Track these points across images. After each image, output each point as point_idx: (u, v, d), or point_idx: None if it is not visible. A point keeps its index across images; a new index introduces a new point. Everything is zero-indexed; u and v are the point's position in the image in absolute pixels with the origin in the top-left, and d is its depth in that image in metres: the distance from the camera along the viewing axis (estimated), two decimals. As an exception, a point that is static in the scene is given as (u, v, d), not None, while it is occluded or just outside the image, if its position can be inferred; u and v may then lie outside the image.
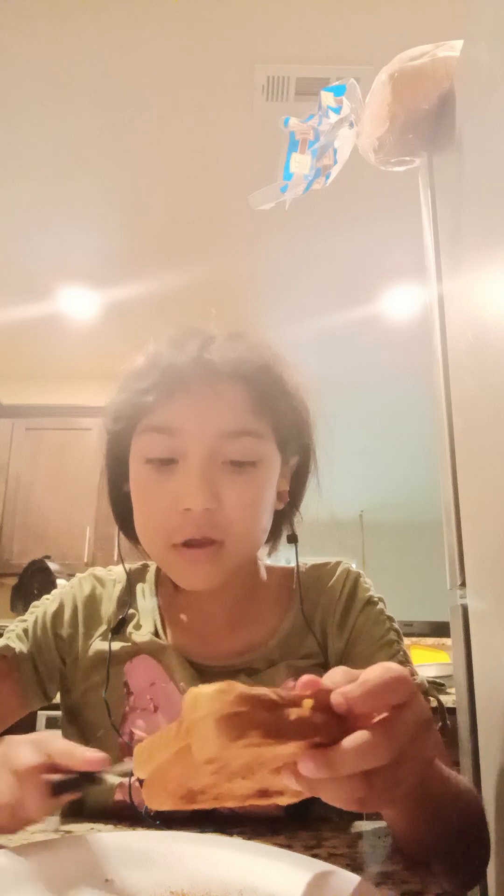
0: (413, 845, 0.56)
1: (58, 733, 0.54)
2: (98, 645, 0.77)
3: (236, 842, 0.54)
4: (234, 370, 0.68)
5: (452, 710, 0.95)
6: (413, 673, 0.72)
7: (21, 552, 3.65)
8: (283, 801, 0.44)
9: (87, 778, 0.51)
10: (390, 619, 0.77)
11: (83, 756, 0.51)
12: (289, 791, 0.43)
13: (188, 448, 0.66)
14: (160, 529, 0.67)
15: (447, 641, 2.35)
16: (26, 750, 0.51)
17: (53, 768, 0.51)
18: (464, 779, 0.63)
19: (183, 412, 0.67)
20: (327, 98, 1.14)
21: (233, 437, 0.67)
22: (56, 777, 0.50)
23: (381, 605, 0.78)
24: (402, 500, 6.45)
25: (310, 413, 0.76)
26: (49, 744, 0.52)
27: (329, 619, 0.76)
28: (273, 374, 0.71)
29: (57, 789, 0.50)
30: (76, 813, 0.73)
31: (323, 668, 0.73)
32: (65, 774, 0.51)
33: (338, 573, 0.79)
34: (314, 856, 0.55)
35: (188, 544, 0.66)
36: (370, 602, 0.77)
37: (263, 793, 0.44)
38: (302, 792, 0.41)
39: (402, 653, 0.74)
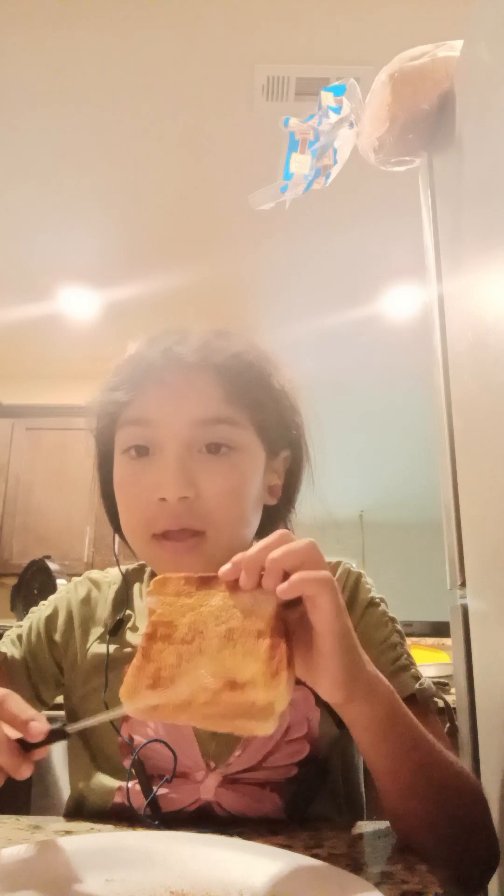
0: (408, 819, 0.57)
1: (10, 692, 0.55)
2: (95, 648, 0.77)
3: (236, 842, 0.54)
4: (204, 360, 0.69)
5: (452, 710, 0.95)
6: (418, 676, 0.72)
7: (21, 552, 3.65)
8: (258, 709, 0.45)
9: (56, 734, 0.52)
10: (392, 620, 0.76)
11: (29, 728, 0.51)
12: (258, 680, 0.46)
13: (163, 438, 0.67)
14: (139, 521, 0.68)
15: (447, 641, 2.35)
16: None
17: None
18: (464, 767, 0.63)
19: (156, 403, 0.68)
20: (327, 98, 1.14)
21: (206, 424, 0.67)
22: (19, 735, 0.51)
23: (383, 607, 0.77)
24: (402, 500, 6.45)
25: (295, 405, 0.75)
26: (4, 703, 0.53)
27: None
28: (245, 362, 0.71)
29: (25, 747, 0.51)
30: (76, 814, 0.73)
31: None
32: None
33: (338, 574, 0.78)
34: (314, 856, 0.55)
35: (168, 536, 0.66)
36: (372, 603, 0.76)
37: (232, 685, 0.46)
38: (272, 679, 0.46)
39: (405, 655, 0.73)
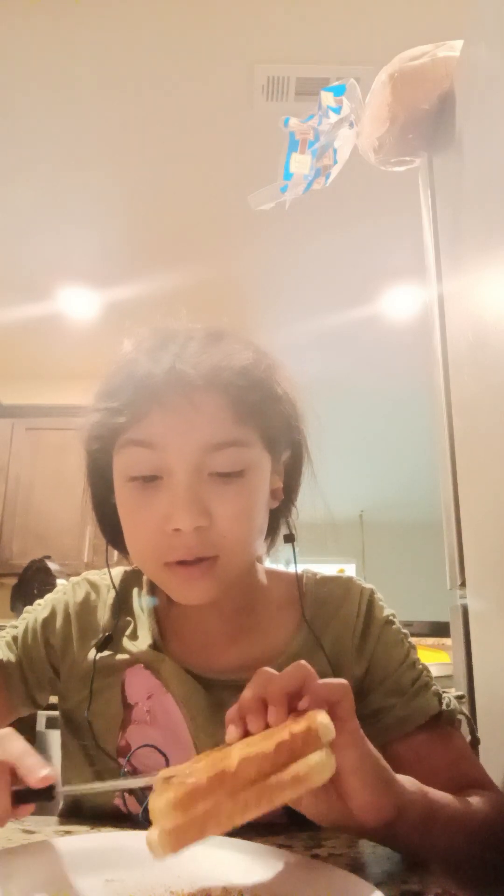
0: (441, 865, 0.56)
1: (13, 732, 0.53)
2: (94, 654, 0.75)
3: (236, 842, 0.54)
4: (211, 380, 0.64)
5: (474, 723, 0.95)
6: (440, 693, 0.72)
7: (21, 552, 3.65)
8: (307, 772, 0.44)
9: (44, 793, 0.49)
10: (406, 635, 0.76)
11: (35, 775, 0.48)
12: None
13: (171, 464, 0.63)
14: (151, 550, 0.65)
15: (447, 641, 2.35)
16: None
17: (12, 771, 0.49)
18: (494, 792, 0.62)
19: (162, 428, 0.64)
20: (327, 98, 1.14)
21: (216, 449, 0.64)
22: (17, 787, 0.48)
23: (397, 624, 0.76)
24: (402, 500, 6.45)
25: (297, 407, 0.73)
26: (6, 749, 0.50)
27: (346, 641, 0.73)
28: (253, 378, 0.68)
29: (17, 798, 0.48)
30: (75, 815, 0.73)
31: None
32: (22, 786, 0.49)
33: (352, 591, 0.77)
34: (314, 856, 0.55)
35: (181, 563, 0.64)
36: (388, 622, 0.75)
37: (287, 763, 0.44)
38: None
39: (425, 672, 0.73)
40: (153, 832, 0.43)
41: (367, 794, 0.48)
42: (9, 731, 0.52)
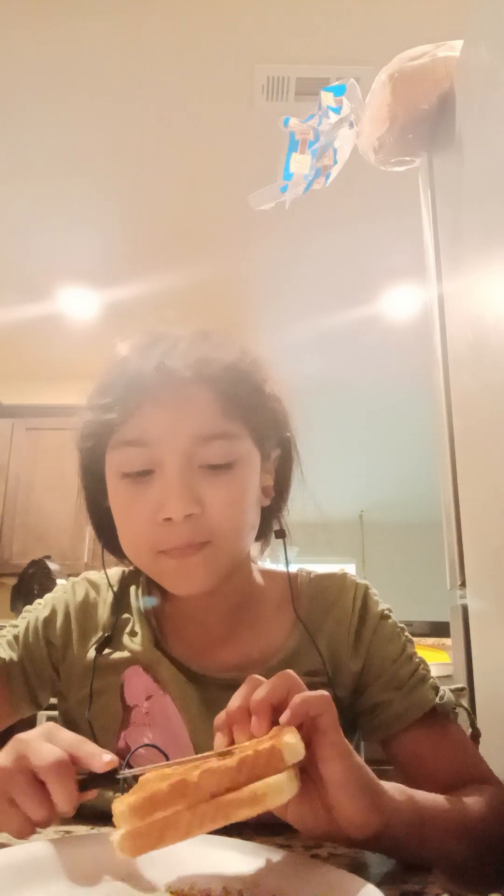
0: (441, 863, 0.56)
1: (57, 725, 0.54)
2: (94, 653, 0.75)
3: (236, 842, 0.54)
4: (199, 373, 0.66)
5: (473, 716, 0.95)
6: (437, 686, 0.72)
7: (21, 552, 3.64)
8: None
9: (108, 777, 0.51)
10: (402, 629, 0.76)
11: (100, 761, 0.50)
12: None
13: (163, 457, 0.65)
14: (144, 541, 0.66)
15: (447, 641, 2.35)
16: (47, 746, 0.50)
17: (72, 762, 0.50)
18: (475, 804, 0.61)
19: (152, 422, 0.65)
20: (327, 98, 1.14)
21: (205, 441, 0.65)
22: (81, 774, 0.50)
23: (393, 618, 0.76)
24: (402, 500, 6.45)
25: (284, 404, 0.74)
26: (62, 739, 0.52)
27: (341, 637, 0.74)
28: (240, 372, 0.69)
29: (83, 785, 0.50)
30: (75, 815, 0.73)
31: (327, 686, 0.70)
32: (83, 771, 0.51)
33: (346, 588, 0.77)
34: (314, 856, 0.55)
35: (174, 550, 0.65)
36: (383, 616, 0.76)
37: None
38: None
39: (422, 665, 0.73)
40: (116, 834, 0.44)
41: (353, 808, 0.48)
42: (53, 724, 0.54)
